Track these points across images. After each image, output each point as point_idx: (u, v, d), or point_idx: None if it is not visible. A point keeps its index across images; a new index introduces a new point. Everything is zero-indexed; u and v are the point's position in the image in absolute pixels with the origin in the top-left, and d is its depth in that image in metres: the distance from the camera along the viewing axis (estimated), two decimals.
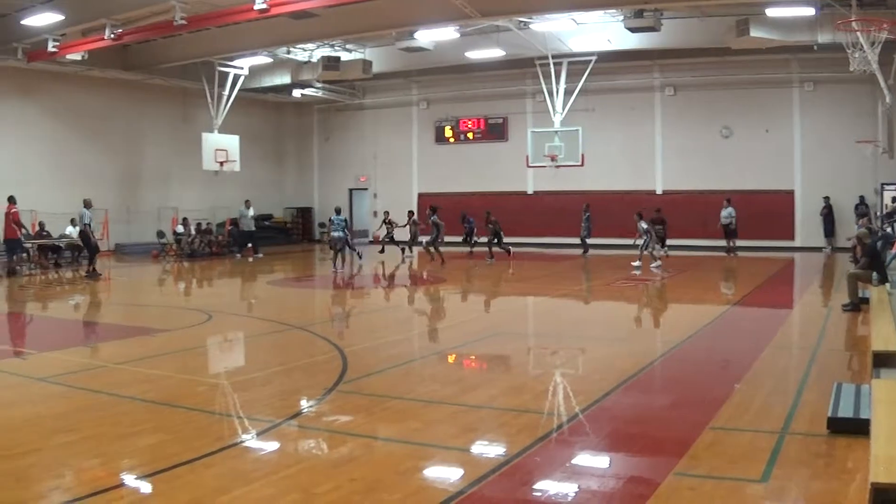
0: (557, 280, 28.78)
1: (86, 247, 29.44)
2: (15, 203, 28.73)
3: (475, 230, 37.12)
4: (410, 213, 36.75)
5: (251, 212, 38.31)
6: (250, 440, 9.19)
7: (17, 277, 28.88)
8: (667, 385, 12.29)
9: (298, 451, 8.85)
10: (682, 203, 39.22)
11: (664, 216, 30.68)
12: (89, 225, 28.67)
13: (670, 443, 8.78)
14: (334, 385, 11.59)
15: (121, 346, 15.54)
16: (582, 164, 37.26)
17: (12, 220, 28.58)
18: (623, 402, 10.77)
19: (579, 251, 37.48)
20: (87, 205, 28.78)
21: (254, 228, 39.04)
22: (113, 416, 10.04)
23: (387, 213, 37.47)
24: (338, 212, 31.38)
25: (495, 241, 34.91)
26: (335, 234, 29.47)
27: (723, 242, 36.19)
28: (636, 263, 29.06)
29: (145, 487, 7.60)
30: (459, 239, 37.46)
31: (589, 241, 37.15)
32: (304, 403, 10.96)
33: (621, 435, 9.19)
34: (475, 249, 37.25)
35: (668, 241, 32.20)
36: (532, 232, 42.56)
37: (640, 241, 30.04)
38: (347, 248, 30.55)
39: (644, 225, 29.60)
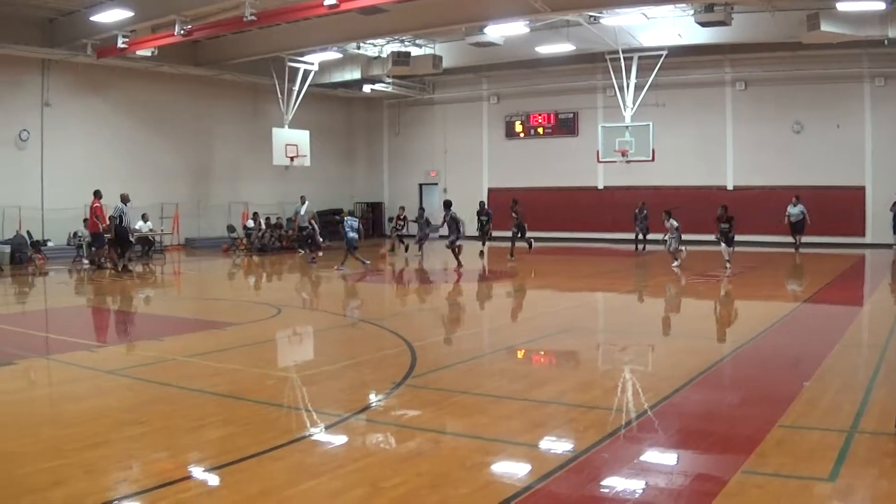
0: (627, 276, 28.69)
1: (117, 241, 29.19)
2: (99, 198, 29.00)
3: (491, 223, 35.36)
4: (422, 209, 35.93)
5: (304, 209, 37.63)
6: (318, 434, 9.25)
7: (94, 271, 29.17)
8: (736, 382, 12.17)
9: (366, 445, 8.85)
10: (753, 199, 38.86)
11: (731, 214, 28.29)
12: (120, 219, 28.52)
13: (739, 440, 8.68)
14: (403, 379, 11.62)
15: (190, 340, 15.68)
16: (653, 160, 37.05)
17: (94, 214, 28.86)
18: (692, 398, 10.68)
19: (633, 247, 37.42)
20: (124, 199, 28.60)
21: (307, 224, 37.75)
22: (182, 408, 10.15)
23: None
24: (351, 214, 31.29)
25: (518, 234, 33.57)
26: (352, 234, 29.04)
27: (790, 239, 35.80)
28: (675, 264, 28.41)
29: (213, 480, 7.67)
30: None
31: (648, 237, 36.81)
32: (372, 397, 11.00)
33: (690, 432, 9.12)
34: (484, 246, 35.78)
35: (739, 237, 31.38)
36: (602, 227, 42.48)
37: (666, 237, 29.08)
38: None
39: (675, 223, 28.62)
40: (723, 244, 27.63)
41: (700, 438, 8.88)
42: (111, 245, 29.15)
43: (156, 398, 10.75)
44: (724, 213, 27.95)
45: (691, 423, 9.53)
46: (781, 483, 7.34)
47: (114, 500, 7.09)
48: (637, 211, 36.88)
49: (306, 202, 37.62)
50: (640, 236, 37.07)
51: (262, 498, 7.08)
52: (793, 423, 9.21)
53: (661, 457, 8.32)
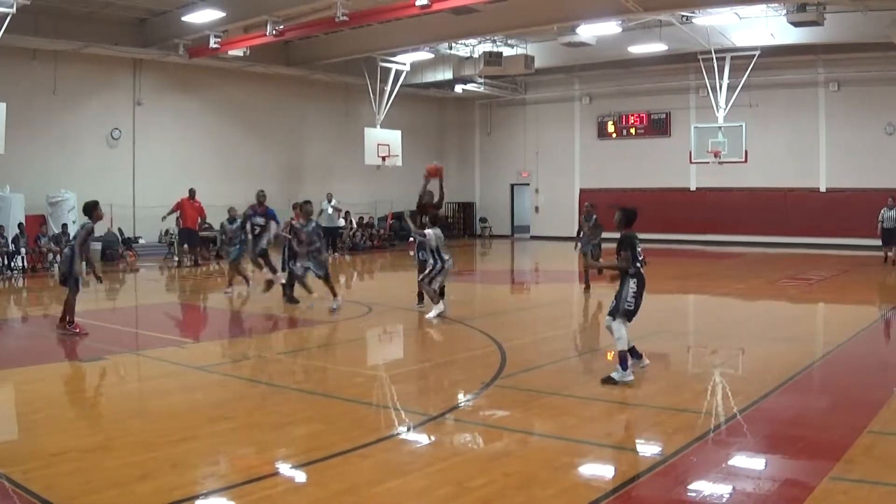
0: (719, 278, 28.20)
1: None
2: (191, 196, 29.53)
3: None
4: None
5: (330, 207, 35.26)
6: (406, 433, 9.24)
7: (193, 268, 29.53)
8: (825, 387, 12.04)
9: (454, 444, 8.84)
10: (845, 201, 38.17)
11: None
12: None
13: (826, 446, 8.60)
14: (492, 380, 11.57)
15: (279, 337, 15.82)
16: (745, 161, 36.60)
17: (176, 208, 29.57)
18: (781, 403, 10.55)
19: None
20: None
21: (336, 224, 36.09)
22: (269, 405, 10.25)
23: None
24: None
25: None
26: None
27: (880, 243, 34.09)
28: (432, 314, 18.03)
29: (299, 476, 7.71)
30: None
31: (600, 260, 23.25)
32: (460, 397, 10.98)
33: (778, 437, 9.01)
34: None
35: (838, 241, 30.27)
36: (694, 229, 42.08)
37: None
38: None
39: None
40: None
41: (788, 443, 8.75)
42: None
43: (244, 395, 10.88)
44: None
45: (780, 427, 9.42)
46: (868, 490, 7.25)
47: (200, 494, 7.15)
48: (584, 216, 24.02)
49: (332, 199, 35.55)
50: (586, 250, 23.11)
51: (347, 495, 7.09)
52: (882, 429, 9.08)
53: (749, 462, 8.23)
